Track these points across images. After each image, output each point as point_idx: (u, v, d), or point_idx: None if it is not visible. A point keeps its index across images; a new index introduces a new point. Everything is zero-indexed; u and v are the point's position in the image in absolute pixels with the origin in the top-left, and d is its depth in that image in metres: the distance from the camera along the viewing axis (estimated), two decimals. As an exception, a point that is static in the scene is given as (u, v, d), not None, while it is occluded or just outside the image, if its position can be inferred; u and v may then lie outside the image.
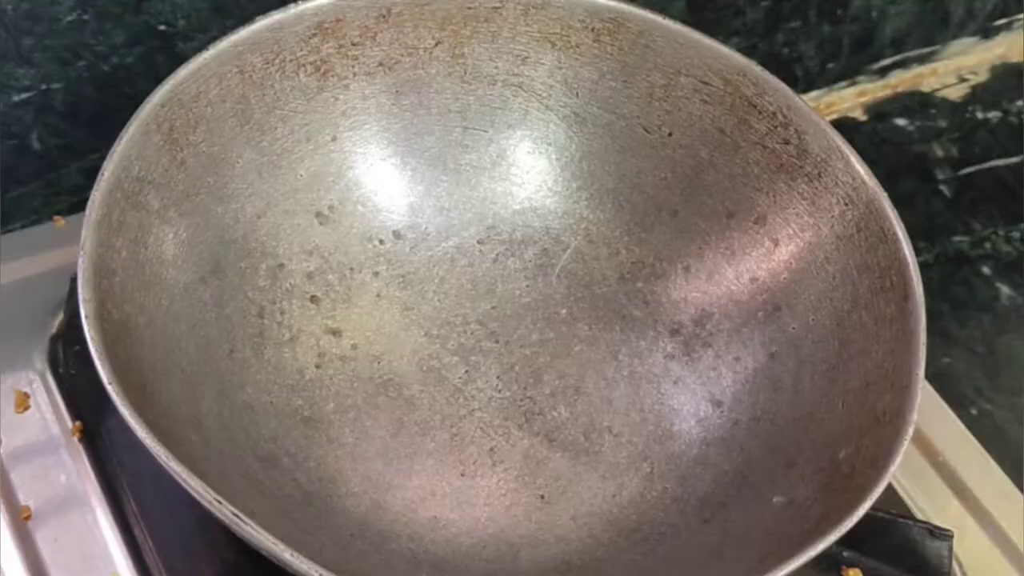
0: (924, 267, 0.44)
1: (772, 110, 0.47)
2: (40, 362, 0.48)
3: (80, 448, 0.45)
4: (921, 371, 0.41)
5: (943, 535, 0.45)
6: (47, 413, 0.46)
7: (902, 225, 0.44)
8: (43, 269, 0.50)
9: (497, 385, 0.48)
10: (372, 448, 0.45)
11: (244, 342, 0.45)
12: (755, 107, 0.48)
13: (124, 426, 0.35)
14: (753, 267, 0.48)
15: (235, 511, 0.33)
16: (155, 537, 0.43)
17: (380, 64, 0.48)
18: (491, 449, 0.46)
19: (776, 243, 0.48)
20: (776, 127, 0.47)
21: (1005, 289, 0.66)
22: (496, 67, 0.50)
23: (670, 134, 0.50)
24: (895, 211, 0.45)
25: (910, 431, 0.39)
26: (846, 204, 0.46)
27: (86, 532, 0.43)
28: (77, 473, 0.45)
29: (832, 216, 0.46)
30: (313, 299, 0.48)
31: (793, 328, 0.46)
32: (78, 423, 0.46)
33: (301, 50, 0.46)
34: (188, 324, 0.43)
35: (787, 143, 0.47)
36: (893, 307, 0.43)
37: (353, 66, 0.48)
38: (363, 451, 0.45)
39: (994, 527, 0.49)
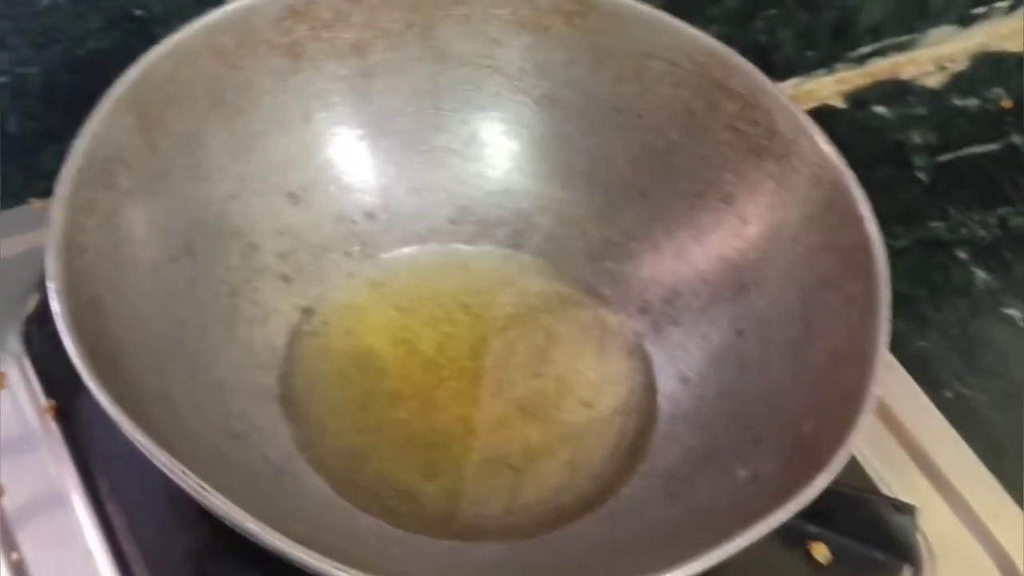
0: (901, 252, 0.44)
1: (741, 92, 0.48)
2: (15, 343, 0.48)
3: (54, 427, 0.45)
4: (884, 346, 0.41)
5: (907, 510, 0.46)
6: (21, 393, 0.46)
7: (868, 204, 0.44)
8: (19, 250, 0.50)
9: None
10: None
11: (216, 321, 0.45)
12: (724, 89, 0.48)
13: (98, 406, 0.35)
14: (721, 246, 0.49)
15: (200, 482, 0.34)
16: (128, 515, 0.43)
17: (352, 46, 0.49)
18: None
19: (744, 222, 0.48)
20: (745, 108, 0.48)
21: (980, 274, 0.67)
22: (468, 49, 0.50)
23: (640, 116, 0.50)
24: (862, 190, 0.45)
25: (871, 403, 0.39)
26: (812, 184, 0.46)
27: (59, 510, 0.43)
28: (51, 452, 0.45)
29: (799, 195, 0.46)
30: (285, 278, 0.48)
31: (760, 306, 0.47)
32: (52, 402, 0.46)
33: (274, 32, 0.47)
34: (160, 303, 0.43)
35: (756, 124, 0.47)
36: (859, 285, 0.43)
37: (325, 48, 0.48)
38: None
39: (960, 503, 0.50)
